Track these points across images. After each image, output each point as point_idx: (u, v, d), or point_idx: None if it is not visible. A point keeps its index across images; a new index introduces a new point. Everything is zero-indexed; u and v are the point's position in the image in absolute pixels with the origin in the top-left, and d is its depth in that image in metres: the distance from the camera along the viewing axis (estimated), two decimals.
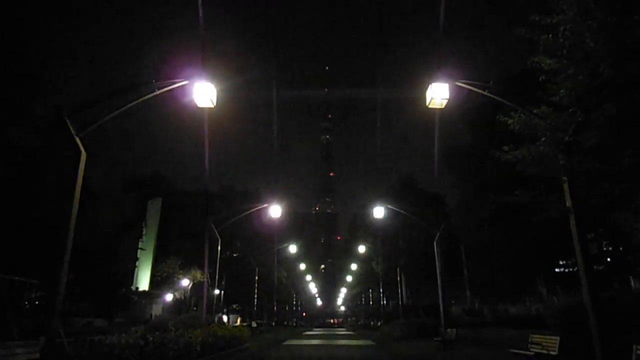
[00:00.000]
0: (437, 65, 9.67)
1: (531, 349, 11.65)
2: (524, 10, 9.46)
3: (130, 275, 43.75)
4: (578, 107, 8.48)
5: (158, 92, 9.50)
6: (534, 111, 9.22)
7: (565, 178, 8.98)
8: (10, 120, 19.83)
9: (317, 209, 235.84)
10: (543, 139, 9.23)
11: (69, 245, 8.19)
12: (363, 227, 50.50)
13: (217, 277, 23.22)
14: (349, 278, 70.87)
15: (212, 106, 9.91)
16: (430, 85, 9.42)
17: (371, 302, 64.24)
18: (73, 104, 9.73)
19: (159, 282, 40.65)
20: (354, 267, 57.86)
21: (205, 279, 20.08)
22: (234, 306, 53.56)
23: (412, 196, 36.98)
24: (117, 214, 31.38)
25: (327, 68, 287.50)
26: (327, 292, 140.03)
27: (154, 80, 9.47)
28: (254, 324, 38.12)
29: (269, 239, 45.31)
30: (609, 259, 31.92)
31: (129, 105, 9.33)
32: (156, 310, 39.94)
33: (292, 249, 44.17)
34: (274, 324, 52.29)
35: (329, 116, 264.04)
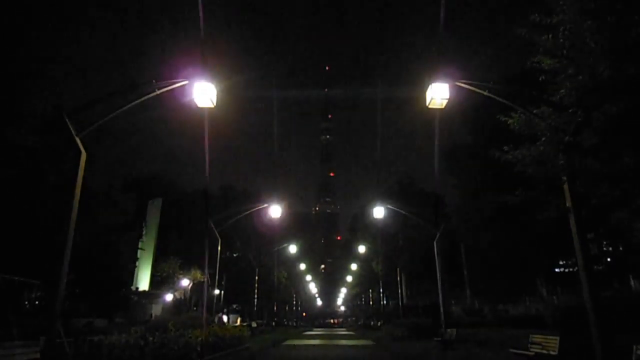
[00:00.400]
0: (437, 65, 9.64)
1: (531, 349, 11.65)
2: (524, 10, 9.46)
3: (130, 275, 43.71)
4: (578, 107, 8.47)
5: (158, 92, 9.50)
6: (534, 111, 9.21)
7: (565, 178, 8.98)
8: (10, 120, 19.82)
9: (317, 209, 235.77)
10: (543, 139, 9.22)
11: (69, 245, 8.19)
12: (363, 227, 50.51)
13: (217, 277, 23.22)
14: (349, 278, 70.87)
15: (212, 106, 9.91)
16: (430, 85, 9.41)
17: (371, 302, 64.24)
18: (73, 104, 9.72)
19: (159, 282, 40.68)
20: (354, 267, 57.85)
21: (205, 279, 20.09)
22: (234, 306, 53.58)
23: (412, 196, 36.98)
24: (117, 214, 31.33)
25: (327, 68, 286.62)
26: (327, 292, 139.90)
27: (154, 80, 9.47)
28: (254, 324, 38.10)
29: (269, 239, 45.29)
30: (609, 259, 31.95)
31: (129, 105, 9.33)
32: (156, 310, 39.92)
33: (292, 249, 44.15)
34: (274, 324, 52.28)
35: (329, 116, 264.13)
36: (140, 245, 47.05)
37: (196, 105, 9.80)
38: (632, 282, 24.83)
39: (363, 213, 50.93)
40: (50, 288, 10.51)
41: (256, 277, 41.75)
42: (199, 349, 12.54)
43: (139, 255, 46.94)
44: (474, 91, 9.69)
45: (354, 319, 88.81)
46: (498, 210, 24.37)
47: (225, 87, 10.42)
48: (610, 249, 31.99)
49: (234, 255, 46.43)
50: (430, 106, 9.65)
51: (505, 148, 9.99)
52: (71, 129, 8.54)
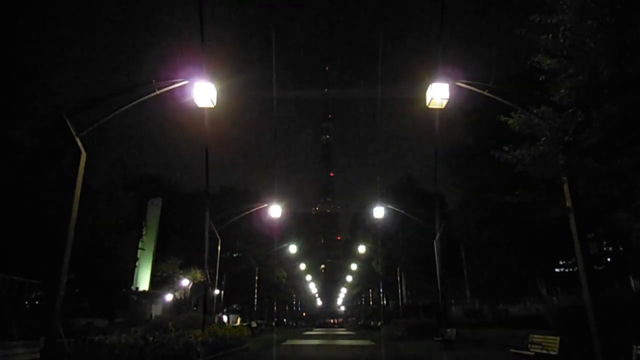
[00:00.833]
0: (437, 65, 9.64)
1: (531, 349, 11.66)
2: (524, 10, 9.45)
3: (130, 275, 43.69)
4: (578, 107, 8.47)
5: (158, 92, 9.51)
6: (534, 111, 9.21)
7: (565, 178, 8.98)
8: (10, 120, 19.82)
9: (317, 209, 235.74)
10: (543, 139, 9.22)
11: (69, 245, 8.19)
12: (363, 227, 50.54)
13: (217, 277, 23.23)
14: (349, 278, 70.91)
15: (212, 106, 9.91)
16: (430, 85, 9.42)
17: (371, 302, 64.30)
18: (73, 104, 9.71)
19: (159, 282, 40.68)
20: (354, 267, 57.87)
21: (205, 279, 20.08)
22: (234, 306, 53.56)
23: (412, 196, 37.02)
24: (117, 214, 31.33)
25: (327, 68, 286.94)
26: (327, 292, 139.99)
27: (153, 80, 9.47)
28: (253, 324, 38.12)
29: (269, 239, 45.31)
30: (609, 259, 31.95)
31: (129, 105, 9.33)
32: (156, 310, 39.90)
33: (292, 249, 44.19)
34: (273, 324, 52.30)
35: (329, 116, 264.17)
36: (140, 245, 47.04)
37: (196, 105, 9.80)
38: (632, 282, 24.85)
39: (363, 213, 51.00)
40: (50, 288, 10.51)
41: (256, 277, 41.77)
42: (198, 349, 12.55)
43: (139, 255, 46.91)
44: (474, 91, 9.70)
45: (354, 319, 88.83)
46: (498, 210, 24.34)
47: (225, 87, 10.43)
48: (610, 249, 31.99)
49: (234, 255, 46.43)
50: (430, 106, 9.65)
51: (505, 148, 9.99)
52: (71, 129, 8.54)
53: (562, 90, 8.76)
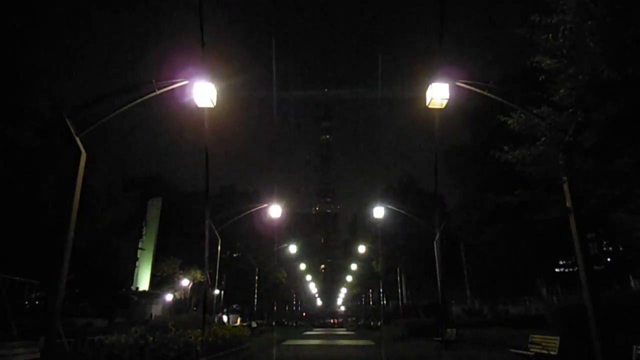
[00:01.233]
0: (437, 65, 9.63)
1: (531, 349, 11.66)
2: (524, 10, 9.46)
3: (130, 275, 43.77)
4: (578, 107, 8.47)
5: (158, 92, 9.49)
6: (534, 111, 9.21)
7: (565, 178, 8.98)
8: (10, 120, 19.83)
9: (317, 209, 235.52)
10: (543, 139, 9.22)
11: (69, 245, 8.18)
12: (363, 227, 50.64)
13: (217, 277, 23.21)
14: (349, 278, 70.88)
15: (212, 106, 9.90)
16: (430, 85, 9.41)
17: (371, 302, 64.29)
18: (73, 104, 9.70)
19: (159, 282, 40.69)
20: (354, 267, 57.86)
21: (205, 279, 20.06)
22: (234, 306, 53.58)
23: (412, 196, 37.01)
24: (117, 214, 31.35)
25: (326, 68, 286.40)
26: (327, 292, 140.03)
27: (154, 80, 9.46)
28: (254, 324, 38.13)
29: (269, 239, 45.32)
30: (609, 259, 31.97)
31: (129, 105, 9.31)
32: (156, 310, 39.92)
33: (292, 249, 44.18)
34: (274, 324, 52.32)
35: (329, 116, 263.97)
36: (140, 245, 47.10)
37: (196, 105, 9.79)
38: (632, 282, 24.86)
39: (363, 213, 51.07)
40: (50, 288, 10.51)
41: (256, 277, 41.77)
42: (199, 349, 12.53)
43: (139, 255, 46.99)
44: (474, 91, 9.69)
45: (354, 319, 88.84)
46: (498, 210, 24.37)
47: (225, 86, 10.41)
48: (610, 249, 32.01)
49: (234, 255, 46.44)
50: (430, 106, 9.63)
51: (505, 148, 9.99)
52: (71, 129, 8.53)
53: (562, 90, 8.76)
